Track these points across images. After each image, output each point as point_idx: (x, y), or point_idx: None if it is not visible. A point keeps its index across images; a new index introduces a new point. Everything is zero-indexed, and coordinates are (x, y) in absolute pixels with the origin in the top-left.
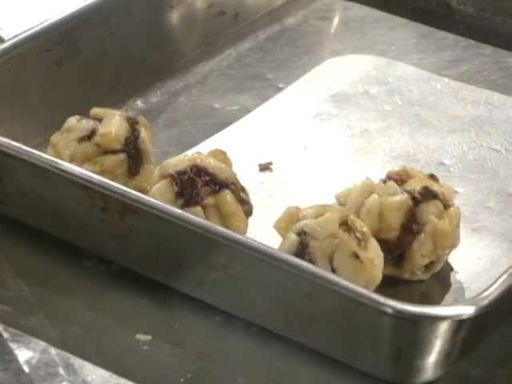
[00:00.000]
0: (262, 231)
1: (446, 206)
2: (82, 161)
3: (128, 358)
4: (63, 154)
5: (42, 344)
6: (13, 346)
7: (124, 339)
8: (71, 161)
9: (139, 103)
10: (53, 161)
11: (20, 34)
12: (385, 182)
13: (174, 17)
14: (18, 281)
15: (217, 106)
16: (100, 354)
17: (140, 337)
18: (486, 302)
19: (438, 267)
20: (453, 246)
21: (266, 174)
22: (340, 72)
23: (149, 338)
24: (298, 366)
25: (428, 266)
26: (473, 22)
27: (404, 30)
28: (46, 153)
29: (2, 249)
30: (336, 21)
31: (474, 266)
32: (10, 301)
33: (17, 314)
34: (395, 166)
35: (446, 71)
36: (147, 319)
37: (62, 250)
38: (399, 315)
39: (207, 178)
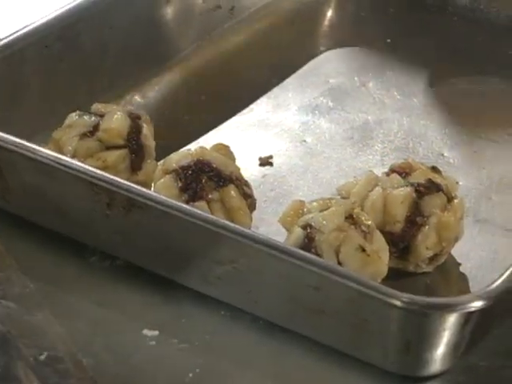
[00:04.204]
0: (265, 225)
1: (450, 199)
2: (84, 157)
3: (136, 353)
4: (66, 149)
5: (50, 340)
6: (20, 342)
7: (131, 334)
8: (73, 157)
9: (137, 98)
10: (57, 157)
11: (19, 29)
12: (388, 174)
13: (170, 11)
14: (24, 277)
15: (215, 100)
16: (108, 349)
17: (147, 332)
18: (494, 293)
19: (442, 259)
20: (457, 238)
21: (267, 167)
22: (336, 65)
23: (156, 333)
24: (306, 360)
25: (432, 259)
26: (467, 13)
27: (399, 21)
28: (48, 149)
29: (6, 245)
30: (330, 13)
31: (478, 258)
32: (15, 297)
33: (23, 310)
34: (395, 159)
35: (442, 62)
36: (154, 314)
37: (66, 245)
38: (408, 307)
39: (211, 173)
